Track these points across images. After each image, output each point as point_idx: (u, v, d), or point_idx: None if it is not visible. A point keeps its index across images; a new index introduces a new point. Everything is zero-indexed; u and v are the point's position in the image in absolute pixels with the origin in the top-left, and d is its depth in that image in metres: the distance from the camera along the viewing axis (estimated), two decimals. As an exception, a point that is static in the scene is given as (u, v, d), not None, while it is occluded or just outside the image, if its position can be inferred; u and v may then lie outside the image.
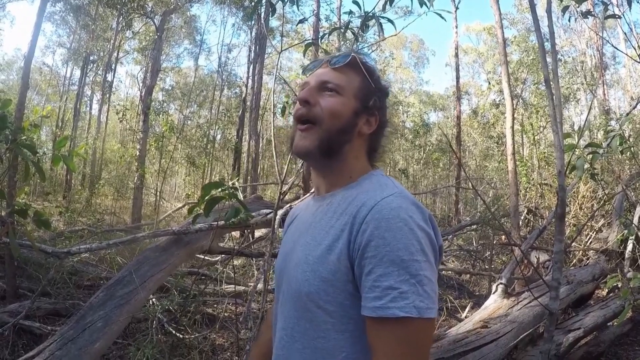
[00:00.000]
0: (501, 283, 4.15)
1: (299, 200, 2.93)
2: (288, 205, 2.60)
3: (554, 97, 1.77)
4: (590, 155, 3.21)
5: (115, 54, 23.34)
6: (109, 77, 24.10)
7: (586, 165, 2.85)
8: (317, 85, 1.05)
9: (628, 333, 4.62)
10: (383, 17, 2.70)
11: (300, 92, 1.06)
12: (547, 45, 2.35)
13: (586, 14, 3.27)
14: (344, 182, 1.05)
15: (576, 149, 2.54)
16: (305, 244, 1.01)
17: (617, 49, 8.57)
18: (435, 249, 0.91)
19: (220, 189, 2.07)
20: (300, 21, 3.33)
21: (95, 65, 24.08)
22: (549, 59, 1.93)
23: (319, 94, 1.04)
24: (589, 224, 6.81)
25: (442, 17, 2.82)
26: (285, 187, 3.16)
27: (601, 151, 3.20)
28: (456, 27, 19.48)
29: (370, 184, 1.01)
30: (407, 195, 0.94)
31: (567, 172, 2.32)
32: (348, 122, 1.03)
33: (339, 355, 0.92)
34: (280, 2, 3.10)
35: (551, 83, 1.77)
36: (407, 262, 0.84)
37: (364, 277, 0.87)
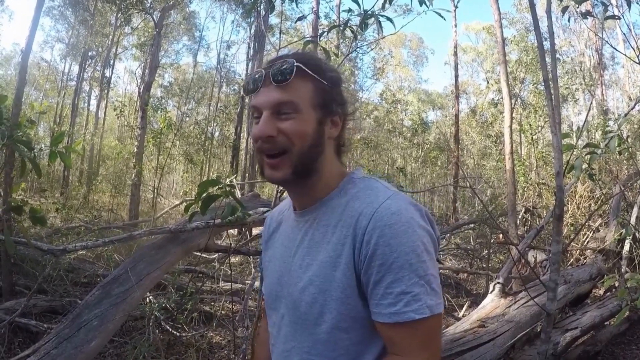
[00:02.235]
0: (498, 282, 4.15)
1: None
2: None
3: (552, 97, 1.76)
4: (589, 156, 3.21)
5: (113, 50, 23.27)
6: (107, 73, 24.05)
7: (584, 166, 2.84)
8: (270, 112, 0.94)
9: (625, 332, 4.63)
10: (382, 16, 2.69)
11: (255, 126, 0.97)
12: (547, 44, 2.34)
13: (585, 15, 3.26)
14: (322, 192, 1.01)
15: (574, 149, 2.54)
16: (305, 265, 0.97)
17: (617, 50, 8.59)
18: (435, 243, 0.93)
19: (217, 187, 2.06)
20: (299, 19, 3.31)
21: (93, 60, 24.02)
22: (548, 59, 1.92)
23: (277, 121, 0.94)
24: (587, 223, 6.81)
25: (441, 16, 2.82)
26: (282, 186, 3.13)
27: (599, 151, 3.19)
28: (455, 26, 19.47)
29: (360, 190, 0.97)
30: (402, 196, 0.93)
31: (566, 172, 2.31)
32: (316, 136, 0.96)
33: None
34: (279, -1, 3.08)
35: (550, 83, 1.76)
36: (415, 265, 0.86)
37: (374, 286, 0.88)
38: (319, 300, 0.93)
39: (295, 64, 0.93)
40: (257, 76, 0.98)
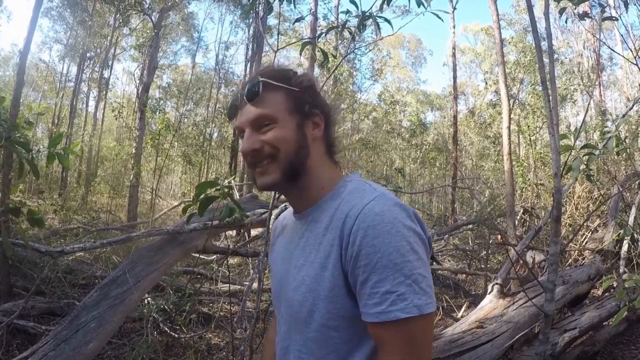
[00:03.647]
0: (497, 283, 4.15)
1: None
2: (283, 204, 2.58)
3: (550, 98, 1.76)
4: (587, 157, 3.21)
5: (112, 51, 23.26)
6: (106, 74, 24.04)
7: (582, 166, 2.84)
8: (252, 128, 1.02)
9: (623, 332, 4.63)
10: (380, 17, 2.69)
11: (241, 143, 1.04)
12: (544, 45, 2.34)
13: (583, 16, 3.26)
14: (317, 194, 1.04)
15: (572, 150, 2.54)
16: (299, 266, 1.01)
17: (614, 51, 8.59)
18: (425, 244, 0.92)
19: (215, 188, 2.06)
20: (297, 20, 3.31)
21: (92, 62, 24.01)
22: (545, 60, 1.92)
23: (259, 135, 1.01)
24: (585, 224, 6.82)
25: (439, 17, 2.82)
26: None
27: (597, 152, 3.20)
28: (454, 27, 19.49)
29: (349, 192, 0.99)
30: (389, 197, 0.94)
31: (564, 173, 2.32)
32: (298, 139, 1.01)
33: None
34: (277, 0, 3.08)
35: (548, 84, 1.76)
36: (400, 264, 0.85)
37: (361, 286, 0.89)
38: (308, 299, 0.96)
39: (260, 79, 1.01)
40: (234, 101, 1.08)
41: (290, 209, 1.21)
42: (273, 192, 3.09)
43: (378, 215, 0.89)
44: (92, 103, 27.40)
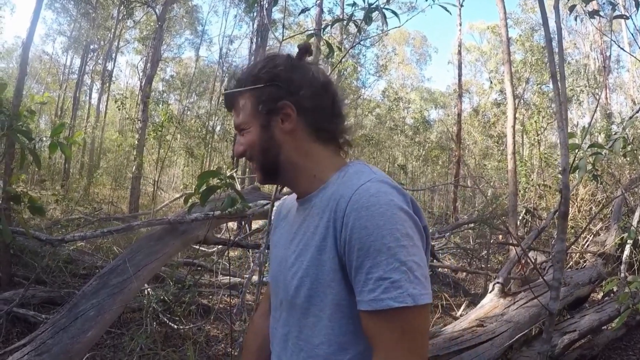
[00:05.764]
0: (498, 282, 4.14)
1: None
2: (285, 196, 2.56)
3: (559, 93, 1.73)
4: (593, 156, 3.18)
5: (115, 43, 23.24)
6: (109, 66, 24.03)
7: (589, 167, 2.81)
8: (238, 133, 1.07)
9: (622, 338, 4.61)
10: (387, 9, 2.66)
11: None
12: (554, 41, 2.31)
13: (593, 14, 3.23)
14: (312, 183, 1.02)
15: (579, 150, 2.51)
16: (298, 251, 0.98)
17: (624, 50, 8.55)
18: (420, 231, 0.88)
19: (217, 178, 2.03)
20: (303, 11, 3.26)
21: (95, 54, 24.00)
22: (555, 55, 1.89)
23: (241, 138, 1.06)
24: (588, 227, 6.79)
25: (447, 10, 2.80)
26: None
27: (604, 152, 3.17)
28: (460, 24, 19.38)
29: (347, 175, 0.96)
30: (386, 180, 0.91)
31: (570, 172, 2.29)
32: (262, 140, 1.02)
33: (344, 358, 0.91)
34: (283, -9, 3.05)
35: (557, 76, 1.73)
36: (393, 248, 0.81)
37: (356, 272, 0.85)
38: (305, 284, 0.93)
39: (225, 92, 1.08)
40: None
41: (291, 199, 1.19)
42: (275, 185, 3.07)
43: (373, 196, 0.85)
44: (95, 95, 27.40)
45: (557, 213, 1.84)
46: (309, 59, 1.07)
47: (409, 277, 0.81)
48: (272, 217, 1.29)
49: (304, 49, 1.05)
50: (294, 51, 1.07)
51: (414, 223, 0.87)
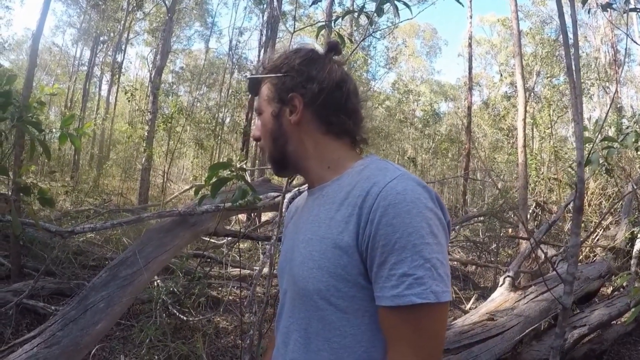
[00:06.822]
0: (508, 276, 4.11)
1: (305, 185, 2.87)
2: (296, 189, 2.54)
3: (575, 85, 1.70)
4: (606, 150, 3.14)
5: (125, 35, 23.25)
6: (119, 58, 24.02)
7: (601, 160, 2.78)
8: (257, 117, 1.11)
9: (631, 332, 4.59)
10: (399, 1, 2.63)
11: None
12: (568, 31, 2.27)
13: (606, 7, 3.17)
14: (324, 174, 1.03)
15: (592, 143, 2.47)
16: (307, 240, 0.97)
17: (637, 43, 8.39)
18: (445, 229, 0.88)
19: (227, 170, 2.02)
20: (314, 2, 3.23)
21: (105, 45, 24.05)
22: (571, 47, 1.86)
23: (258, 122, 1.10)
24: (597, 220, 6.74)
25: (460, 2, 2.75)
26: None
27: (616, 145, 3.13)
28: (471, 17, 19.25)
29: (369, 170, 0.95)
30: (411, 177, 0.90)
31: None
32: (273, 129, 1.05)
33: (358, 350, 0.90)
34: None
35: (572, 66, 1.69)
36: (419, 246, 0.81)
37: (378, 268, 0.84)
38: (316, 275, 0.91)
39: (250, 77, 1.11)
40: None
41: (303, 196, 1.19)
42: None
43: (400, 194, 0.84)
44: (105, 87, 27.50)
45: (572, 207, 1.81)
46: (337, 57, 1.08)
47: (432, 274, 0.81)
48: (284, 215, 1.30)
49: (332, 46, 1.07)
50: (305, 43, 1.09)
51: (439, 221, 0.87)
